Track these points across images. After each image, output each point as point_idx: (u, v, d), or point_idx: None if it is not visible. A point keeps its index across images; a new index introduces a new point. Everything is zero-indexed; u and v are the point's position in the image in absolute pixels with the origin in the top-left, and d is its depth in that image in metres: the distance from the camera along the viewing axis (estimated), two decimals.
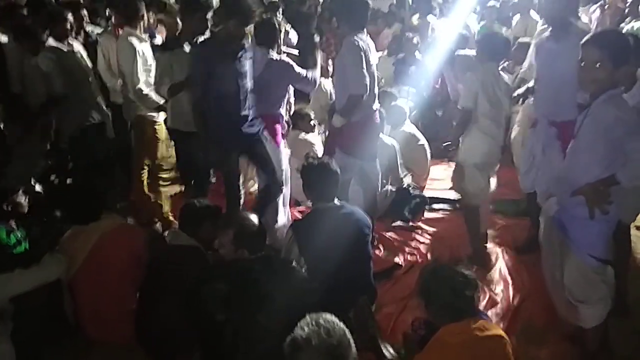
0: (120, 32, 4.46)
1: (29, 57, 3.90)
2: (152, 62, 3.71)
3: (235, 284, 2.19)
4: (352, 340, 1.66)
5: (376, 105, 3.49)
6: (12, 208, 3.09)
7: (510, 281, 3.27)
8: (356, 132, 3.36)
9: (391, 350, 2.53)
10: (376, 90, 3.46)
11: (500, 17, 6.49)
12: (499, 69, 3.42)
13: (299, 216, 3.81)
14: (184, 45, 3.43)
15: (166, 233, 2.71)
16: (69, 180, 3.97)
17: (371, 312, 2.71)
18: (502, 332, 1.96)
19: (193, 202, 2.81)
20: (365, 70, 3.19)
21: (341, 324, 1.68)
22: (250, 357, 1.95)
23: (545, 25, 3.42)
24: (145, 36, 3.89)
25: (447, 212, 4.23)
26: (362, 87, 3.19)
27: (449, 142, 3.50)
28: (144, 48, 3.71)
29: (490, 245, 3.63)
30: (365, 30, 3.34)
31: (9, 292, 2.31)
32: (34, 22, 4.13)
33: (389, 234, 3.88)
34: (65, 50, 3.76)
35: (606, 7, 5.33)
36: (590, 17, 5.44)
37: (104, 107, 4.34)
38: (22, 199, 3.14)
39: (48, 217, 3.37)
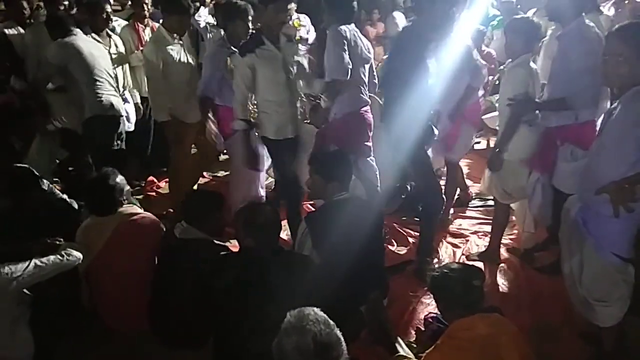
0: (140, 26, 4.55)
1: (44, 47, 3.96)
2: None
3: (242, 274, 2.21)
4: (340, 335, 1.63)
5: (367, 99, 3.44)
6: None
7: (524, 278, 3.24)
8: (346, 126, 3.33)
9: (403, 345, 2.53)
10: (363, 82, 3.37)
11: (508, 11, 6.35)
12: None
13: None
14: (267, 43, 3.19)
15: (175, 227, 2.72)
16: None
17: (383, 306, 2.71)
18: (515, 328, 1.94)
19: (194, 195, 2.81)
20: (347, 56, 3.13)
21: (326, 319, 1.64)
22: (258, 348, 1.95)
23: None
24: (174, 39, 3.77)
25: (461, 208, 4.21)
26: (343, 71, 3.13)
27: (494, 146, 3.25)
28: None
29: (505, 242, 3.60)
30: (352, 23, 3.30)
31: (27, 281, 2.35)
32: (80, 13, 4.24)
33: (403, 229, 3.87)
34: (79, 42, 3.76)
35: (626, 1, 5.22)
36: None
37: (137, 101, 4.49)
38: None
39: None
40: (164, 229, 2.79)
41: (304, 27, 6.89)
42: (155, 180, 4.83)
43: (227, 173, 5.00)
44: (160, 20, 4.12)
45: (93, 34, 4.06)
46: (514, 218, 3.77)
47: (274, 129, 3.28)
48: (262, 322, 2.00)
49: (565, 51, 2.90)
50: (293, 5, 6.21)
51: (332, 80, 3.18)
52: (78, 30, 3.81)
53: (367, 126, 3.44)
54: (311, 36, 6.95)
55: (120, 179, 2.79)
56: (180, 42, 3.78)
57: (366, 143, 3.48)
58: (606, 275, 2.28)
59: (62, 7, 4.62)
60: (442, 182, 4.06)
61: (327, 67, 3.18)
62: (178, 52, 3.72)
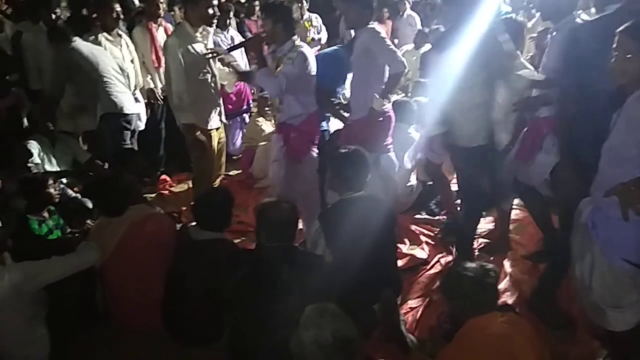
0: (154, 26, 4.57)
1: (45, 53, 4.00)
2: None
3: (253, 271, 2.22)
4: (357, 331, 1.62)
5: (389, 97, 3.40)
6: (44, 198, 3.20)
7: (539, 277, 3.20)
8: (369, 125, 3.31)
9: (416, 343, 2.52)
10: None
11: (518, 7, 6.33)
12: None
13: None
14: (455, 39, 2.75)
15: (188, 226, 2.72)
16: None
17: (396, 304, 2.70)
18: (530, 327, 1.92)
19: (204, 197, 2.79)
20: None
21: (344, 315, 1.64)
22: (270, 344, 1.95)
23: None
24: (200, 35, 3.50)
25: None
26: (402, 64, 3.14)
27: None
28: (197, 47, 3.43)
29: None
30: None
31: (46, 279, 2.38)
32: (74, 17, 4.27)
33: (415, 227, 3.84)
34: (79, 46, 3.80)
35: None
36: None
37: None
38: (53, 190, 3.24)
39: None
40: (177, 228, 2.80)
41: (315, 28, 6.86)
42: (168, 178, 4.86)
43: (239, 172, 5.03)
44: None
45: (104, 34, 4.09)
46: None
47: (463, 136, 2.90)
48: (271, 319, 2.01)
49: (555, 47, 2.88)
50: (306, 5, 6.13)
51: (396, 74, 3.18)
52: (77, 37, 3.86)
53: (389, 125, 3.44)
54: (323, 36, 6.90)
55: (130, 179, 2.80)
56: (205, 42, 3.55)
57: (386, 141, 3.47)
58: (616, 280, 2.21)
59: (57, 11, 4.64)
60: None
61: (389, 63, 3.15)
62: (201, 51, 3.44)
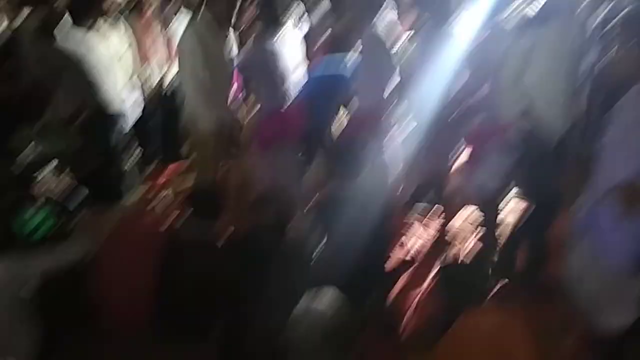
0: (149, 13, 4.51)
1: (40, 45, 3.95)
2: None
3: (244, 262, 2.23)
4: (352, 318, 1.61)
5: None
6: (38, 187, 3.18)
7: None
8: (374, 115, 3.32)
9: (410, 335, 2.51)
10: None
11: None
12: None
13: None
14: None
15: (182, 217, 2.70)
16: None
17: (389, 300, 2.70)
18: (525, 321, 1.90)
19: (199, 190, 2.75)
20: None
21: (341, 304, 1.63)
22: (261, 332, 1.94)
23: None
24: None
25: None
26: None
27: None
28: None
29: None
30: None
31: (37, 269, 2.36)
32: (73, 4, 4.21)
33: (413, 218, 3.82)
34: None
35: None
36: None
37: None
38: (47, 179, 3.22)
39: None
40: (171, 219, 2.77)
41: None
42: (165, 168, 4.83)
43: None
44: None
45: (101, 21, 4.02)
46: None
47: (545, 125, 2.66)
48: (263, 309, 1.99)
49: None
50: None
51: None
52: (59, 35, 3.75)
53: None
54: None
55: (124, 168, 2.78)
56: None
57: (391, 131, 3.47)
58: (612, 280, 2.19)
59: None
60: None
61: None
62: (214, 48, 3.36)
